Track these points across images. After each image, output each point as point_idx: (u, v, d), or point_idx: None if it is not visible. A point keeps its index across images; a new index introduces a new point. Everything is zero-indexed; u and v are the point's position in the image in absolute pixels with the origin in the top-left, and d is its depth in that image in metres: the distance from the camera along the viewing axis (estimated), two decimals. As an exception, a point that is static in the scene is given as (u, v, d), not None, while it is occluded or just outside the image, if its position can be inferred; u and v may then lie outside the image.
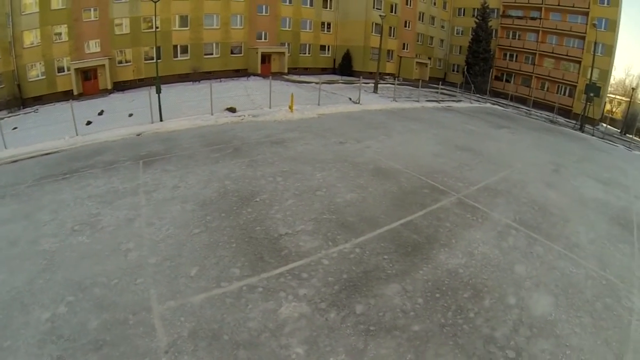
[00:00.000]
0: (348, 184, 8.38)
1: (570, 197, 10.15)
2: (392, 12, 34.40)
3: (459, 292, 5.22)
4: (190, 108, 15.67)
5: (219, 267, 5.31)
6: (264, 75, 28.25)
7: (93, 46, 25.07)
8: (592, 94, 27.59)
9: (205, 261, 5.43)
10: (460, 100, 29.41)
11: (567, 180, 11.87)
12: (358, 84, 21.87)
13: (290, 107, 15.66)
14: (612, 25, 32.26)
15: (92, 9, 24.52)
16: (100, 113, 18.12)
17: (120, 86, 25.58)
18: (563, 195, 10.15)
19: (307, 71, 33.16)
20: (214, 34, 28.44)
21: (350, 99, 21.42)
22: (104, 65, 24.65)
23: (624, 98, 46.97)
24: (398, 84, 27.24)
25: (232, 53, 29.82)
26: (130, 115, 15.43)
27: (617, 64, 32.20)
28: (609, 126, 37.85)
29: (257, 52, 29.39)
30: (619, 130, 37.85)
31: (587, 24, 33.32)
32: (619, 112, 48.02)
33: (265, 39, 30.88)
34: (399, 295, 4.97)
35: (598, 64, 30.63)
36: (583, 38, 33.95)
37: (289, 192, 7.74)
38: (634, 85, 44.90)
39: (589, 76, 32.22)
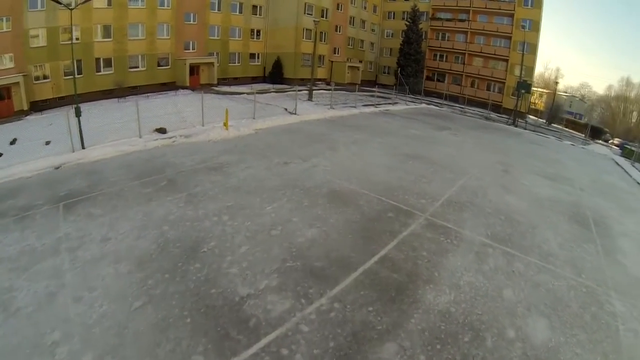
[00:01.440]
0: (304, 216, 7.94)
1: (527, 199, 11.15)
2: (323, 17, 37.01)
3: (458, 337, 5.07)
4: (116, 131, 14.03)
5: (177, 358, 4.42)
6: (193, 87, 29.14)
7: (6, 61, 22.05)
8: (523, 91, 31.89)
9: (158, 350, 4.48)
10: (396, 103, 31.23)
11: (518, 180, 13.12)
12: (292, 92, 21.86)
13: (225, 124, 14.90)
14: (536, 26, 38.02)
15: (4, 19, 21.52)
16: (13, 142, 15.68)
17: (39, 106, 23.85)
18: (521, 199, 11.03)
19: (237, 81, 34.18)
20: (139, 45, 28.07)
21: (286, 109, 21.24)
22: (18, 83, 22.56)
23: (545, 90, 54.69)
24: (331, 89, 27.93)
25: (159, 65, 29.69)
26: (48, 143, 14.34)
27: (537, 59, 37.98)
28: (535, 118, 43.25)
29: (185, 64, 29.67)
30: (544, 121, 43.46)
31: (512, 25, 39.01)
32: (541, 104, 55.59)
33: (193, 49, 31.38)
34: (398, 356, 4.62)
35: (524, 61, 35.49)
36: (509, 38, 39.45)
37: (240, 234, 7.01)
38: (553, 78, 52.80)
39: (516, 73, 37.52)
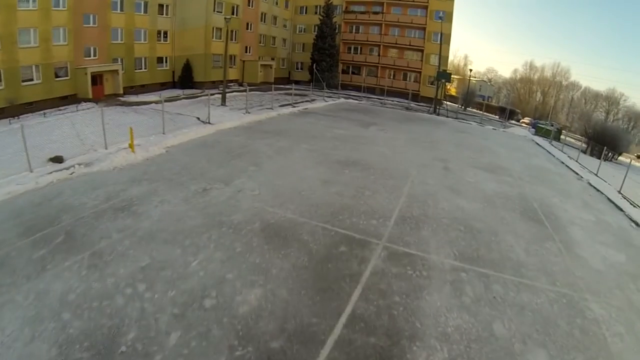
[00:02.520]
0: (241, 270, 6.50)
1: (478, 199, 11.27)
2: (233, 14, 37.29)
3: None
4: (2, 165, 10.80)
5: None
6: (97, 99, 27.64)
7: None
8: (443, 80, 34.43)
9: None
10: (314, 100, 30.90)
11: (462, 178, 13.35)
12: (204, 97, 20.23)
13: (131, 146, 12.67)
14: (449, 17, 41.57)
15: None
16: None
17: None
18: (472, 200, 11.03)
19: (145, 89, 33.14)
20: (32, 54, 25.28)
21: (198, 118, 19.34)
22: None
23: (456, 76, 59.48)
24: (244, 91, 26.68)
25: (57, 76, 27.20)
26: None
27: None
28: (450, 104, 46.53)
29: (86, 73, 27.89)
30: (459, 106, 46.96)
31: (426, 17, 42.54)
32: (453, 89, 60.30)
33: (95, 55, 29.68)
34: None
35: (437, 50, 39.02)
36: (424, 29, 42.91)
37: (165, 313, 5.30)
38: (462, 65, 58.00)
39: (432, 63, 41.55)
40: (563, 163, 20.40)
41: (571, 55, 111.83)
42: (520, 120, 48.22)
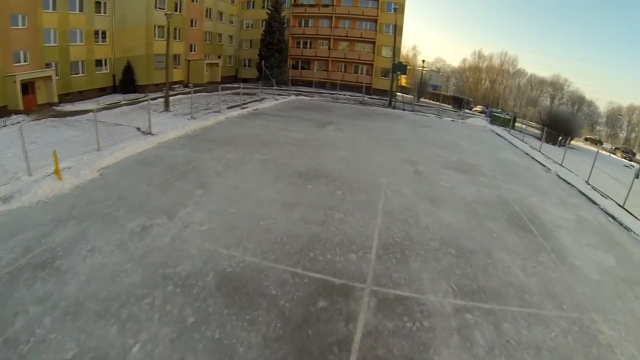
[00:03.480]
0: (197, 353, 4.94)
1: (460, 209, 10.50)
2: (176, 10, 35.75)
3: None
4: None
5: None
6: (28, 110, 25.09)
7: None
8: (399, 72, 33.65)
9: None
10: (263, 99, 29.36)
11: (436, 182, 12.61)
12: (146, 102, 18.10)
13: (57, 172, 10.40)
14: (401, 8, 41.72)
15: None
16: None
17: None
18: (454, 211, 10.32)
19: (83, 96, 30.79)
20: None
21: (139, 129, 17.16)
22: None
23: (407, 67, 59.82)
24: (189, 93, 24.76)
25: None
26: None
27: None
28: (403, 95, 46.58)
29: (15, 81, 25.04)
30: (412, 97, 47.08)
31: (378, 8, 42.59)
32: (403, 80, 60.69)
33: (25, 61, 26.78)
34: None
35: (390, 42, 39.63)
36: (375, 21, 42.94)
37: None
38: (411, 55, 58.67)
39: (383, 55, 42.06)
40: (528, 154, 20.59)
41: (518, 43, 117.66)
42: (473, 109, 49.12)
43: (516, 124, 35.36)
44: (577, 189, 15.15)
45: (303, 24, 45.36)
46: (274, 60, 41.47)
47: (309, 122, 20.89)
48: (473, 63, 79.79)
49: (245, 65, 47.83)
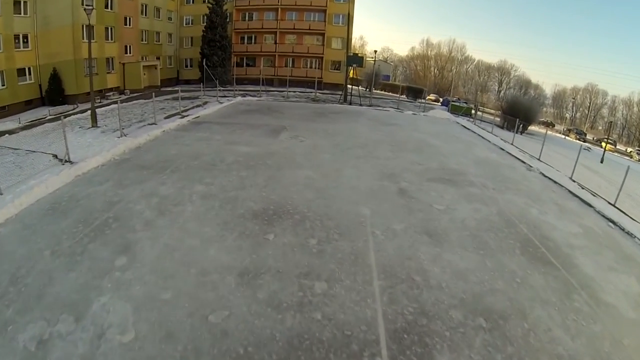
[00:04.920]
0: None
1: (467, 245, 8.35)
2: (107, 7, 32.17)
3: None
4: None
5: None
6: None
7: None
8: (355, 65, 32.30)
9: None
10: (206, 103, 26.02)
11: (428, 205, 10.39)
12: (76, 116, 14.58)
13: None
14: None
15: None
16: None
17: None
18: (462, 249, 8.25)
19: (5, 111, 26.71)
20: None
21: (55, 156, 13.53)
22: None
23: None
24: (125, 101, 21.06)
25: None
26: None
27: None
28: (354, 87, 44.95)
29: None
30: (364, 89, 45.55)
31: None
32: (353, 72, 59.22)
33: None
34: None
35: (340, 33, 38.60)
36: (324, 11, 40.79)
37: None
38: (359, 46, 57.28)
39: (333, 47, 40.46)
40: (503, 149, 19.38)
41: (466, 31, 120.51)
42: (427, 98, 48.33)
43: (475, 112, 34.75)
44: (566, 188, 14.33)
45: (247, 18, 42.73)
46: (216, 59, 38.58)
47: (259, 130, 18.00)
48: (422, 51, 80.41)
49: (186, 66, 44.35)
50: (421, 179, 12.28)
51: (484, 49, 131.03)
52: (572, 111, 73.82)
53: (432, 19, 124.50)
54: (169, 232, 7.85)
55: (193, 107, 23.98)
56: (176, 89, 29.74)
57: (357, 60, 32.49)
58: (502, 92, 72.92)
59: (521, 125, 29.22)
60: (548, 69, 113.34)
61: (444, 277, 6.86)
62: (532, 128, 35.17)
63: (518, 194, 12.40)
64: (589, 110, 71.84)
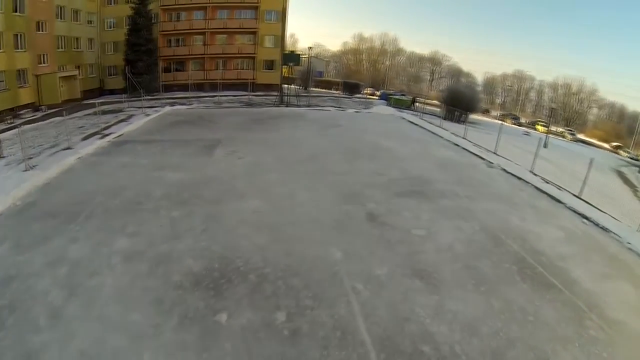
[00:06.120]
0: None
1: (464, 283, 7.21)
2: (16, 11, 28.22)
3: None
4: None
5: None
6: None
7: None
8: (292, 64, 30.98)
9: None
10: (131, 117, 23.09)
11: (405, 232, 9.08)
12: None
13: None
14: None
15: None
16: None
17: None
18: (461, 290, 7.13)
19: None
20: None
21: None
22: None
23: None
24: (40, 119, 17.52)
25: None
26: None
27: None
28: (290, 87, 43.84)
29: None
30: (299, 87, 44.47)
31: None
32: (285, 70, 57.95)
33: None
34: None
35: (273, 30, 36.99)
36: (256, 7, 39.04)
37: None
38: (290, 43, 56.11)
39: (266, 45, 38.93)
40: (458, 145, 19.05)
41: (399, 24, 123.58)
42: (364, 92, 48.10)
43: (416, 104, 35.61)
44: (532, 185, 14.17)
45: (174, 18, 39.88)
46: (142, 65, 35.44)
47: (191, 147, 15.74)
48: (354, 46, 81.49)
49: (110, 74, 40.23)
50: (388, 195, 11.05)
51: (418, 40, 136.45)
52: (502, 96, 78.86)
53: (365, 13, 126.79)
54: (83, 327, 5.62)
55: (116, 123, 20.90)
56: (101, 100, 26.34)
57: (293, 58, 31.45)
58: (434, 81, 76.11)
59: (462, 115, 29.86)
60: (478, 58, 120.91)
61: (455, 338, 5.54)
62: (472, 116, 36.10)
63: (491, 199, 11.88)
64: (517, 95, 77.05)
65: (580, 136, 50.67)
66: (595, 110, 73.34)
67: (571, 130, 50.24)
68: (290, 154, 15.08)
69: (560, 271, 8.29)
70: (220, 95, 32.10)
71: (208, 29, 39.36)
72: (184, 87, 36.54)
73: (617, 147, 45.82)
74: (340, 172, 13.03)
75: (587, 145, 43.57)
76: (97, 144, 16.50)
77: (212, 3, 38.80)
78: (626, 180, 24.82)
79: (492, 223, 9.97)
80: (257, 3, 38.80)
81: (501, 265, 7.82)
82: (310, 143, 17.06)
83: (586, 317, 6.76)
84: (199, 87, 37.63)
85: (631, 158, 38.55)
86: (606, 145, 47.67)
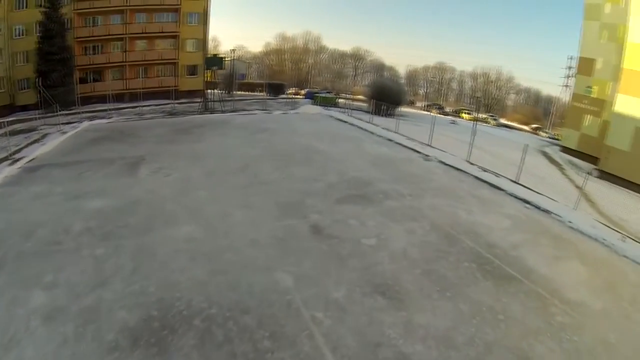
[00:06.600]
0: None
1: (423, 290, 7.27)
2: None
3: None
4: None
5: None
6: None
7: None
8: (215, 67, 30.85)
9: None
10: (45, 136, 20.29)
11: (354, 243, 9.13)
12: None
13: None
14: None
15: None
16: None
17: None
18: (422, 303, 6.85)
19: None
20: None
21: None
22: None
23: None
24: None
25: None
26: None
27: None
28: (214, 91, 42.76)
29: None
30: (222, 92, 43.34)
31: None
32: (210, 75, 56.52)
33: None
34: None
35: (195, 34, 35.84)
36: (177, 10, 37.72)
37: None
38: (211, 47, 54.65)
39: (188, 49, 37.89)
40: (391, 140, 19.48)
41: (321, 22, 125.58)
42: (288, 92, 48.09)
43: (340, 100, 36.48)
44: (471, 175, 14.82)
45: (90, 23, 37.26)
46: (56, 76, 32.46)
47: (113, 167, 14.04)
48: (277, 46, 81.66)
49: (22, 88, 36.00)
50: (329, 203, 10.73)
51: (340, 37, 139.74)
52: (425, 88, 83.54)
53: (287, 13, 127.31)
54: None
55: (28, 145, 18.10)
56: (9, 119, 22.96)
57: (216, 62, 30.78)
58: (358, 76, 78.62)
59: (390, 109, 30.68)
60: (400, 52, 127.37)
61: (432, 356, 5.36)
62: (399, 109, 37.39)
63: (434, 194, 12.16)
64: (440, 86, 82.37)
65: (502, 121, 54.62)
66: (513, 96, 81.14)
67: (494, 116, 54.12)
68: (220, 166, 14.19)
69: (515, 261, 8.55)
70: (142, 106, 30.36)
71: (127, 34, 37.63)
72: (103, 99, 33.97)
73: (537, 128, 50.16)
74: (275, 181, 12.47)
75: (510, 129, 47.05)
76: (5, 172, 14.16)
77: (130, 6, 37.03)
78: (552, 160, 27.11)
79: (441, 220, 10.15)
80: (178, 5, 37.84)
81: (460, 265, 7.89)
82: (239, 151, 16.25)
83: (550, 303, 7.11)
84: (120, 97, 35.59)
85: (550, 138, 42.18)
86: (526, 128, 51.98)
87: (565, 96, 61.00)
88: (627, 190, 18.98)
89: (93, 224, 9.45)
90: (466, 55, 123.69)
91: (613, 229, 12.06)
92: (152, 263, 7.66)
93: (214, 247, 8.26)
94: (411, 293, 6.73)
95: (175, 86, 36.86)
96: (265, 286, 6.85)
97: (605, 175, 21.79)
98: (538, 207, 12.31)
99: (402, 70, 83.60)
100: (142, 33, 38.00)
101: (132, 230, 9.14)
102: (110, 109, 29.24)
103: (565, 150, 30.83)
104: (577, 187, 19.52)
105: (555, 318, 6.69)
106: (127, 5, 36.78)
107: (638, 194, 19.89)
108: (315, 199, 11.04)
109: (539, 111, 66.94)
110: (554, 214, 11.99)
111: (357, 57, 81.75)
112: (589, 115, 29.71)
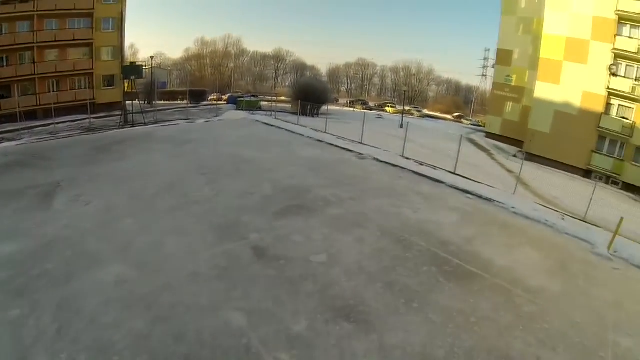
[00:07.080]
0: None
1: (389, 306, 6.86)
2: None
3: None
4: None
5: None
6: None
7: None
8: (134, 77, 29.25)
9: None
10: None
11: (300, 261, 8.46)
12: None
13: None
14: None
15: None
16: None
17: None
18: (392, 322, 6.63)
19: None
20: None
21: None
22: None
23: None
24: None
25: None
26: None
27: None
28: (135, 103, 40.71)
29: None
30: (143, 103, 41.13)
31: None
32: (127, 85, 53.47)
33: None
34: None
35: (111, 41, 34.40)
36: (90, 15, 35.58)
37: None
38: (130, 55, 51.70)
39: (104, 58, 35.96)
40: (322, 141, 19.20)
41: (240, 24, 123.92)
42: (210, 98, 46.80)
43: (264, 102, 36.55)
44: (408, 170, 14.98)
45: None
46: None
47: (23, 200, 11.69)
48: (197, 51, 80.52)
49: None
50: (268, 218, 9.97)
51: (260, 39, 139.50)
52: (347, 84, 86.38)
53: (206, 16, 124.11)
54: None
55: None
56: None
57: (135, 70, 29.06)
58: (279, 78, 79.21)
59: (316, 108, 30.94)
60: (323, 50, 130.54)
61: None
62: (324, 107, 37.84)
63: (376, 195, 12.03)
64: (362, 81, 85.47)
65: (426, 112, 57.22)
66: (434, 87, 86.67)
67: (417, 108, 56.53)
68: (145, 187, 12.74)
69: (472, 256, 8.64)
70: (57, 123, 27.41)
71: (36, 42, 34.53)
72: (12, 118, 30.56)
73: (459, 117, 53.21)
74: (206, 199, 11.43)
75: (434, 120, 49.28)
76: None
77: (39, 11, 33.93)
78: (479, 146, 28.73)
79: (389, 223, 9.94)
80: (92, 10, 35.38)
81: (420, 270, 7.62)
82: (164, 167, 14.87)
83: (514, 294, 7.31)
84: (31, 115, 32.46)
85: (473, 125, 44.78)
86: (449, 117, 54.90)
87: (483, 85, 65.97)
88: (551, 168, 20.41)
89: (3, 275, 7.80)
90: (386, 50, 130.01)
91: (552, 209, 12.85)
92: (79, 321, 6.25)
93: (149, 289, 7.08)
94: (377, 311, 6.24)
95: (92, 99, 34.69)
96: (216, 330, 5.92)
97: (530, 157, 23.35)
98: (480, 197, 12.67)
99: (323, 69, 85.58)
100: (53, 41, 35.52)
101: (51, 279, 7.48)
102: (20, 129, 26.29)
103: (489, 135, 33.17)
104: (508, 171, 20.71)
105: (522, 309, 6.87)
106: (35, 11, 34.09)
107: (560, 171, 21.49)
108: (251, 215, 10.17)
109: (460, 100, 72.01)
110: (496, 201, 12.44)
111: (278, 58, 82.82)
112: (509, 102, 32.69)
